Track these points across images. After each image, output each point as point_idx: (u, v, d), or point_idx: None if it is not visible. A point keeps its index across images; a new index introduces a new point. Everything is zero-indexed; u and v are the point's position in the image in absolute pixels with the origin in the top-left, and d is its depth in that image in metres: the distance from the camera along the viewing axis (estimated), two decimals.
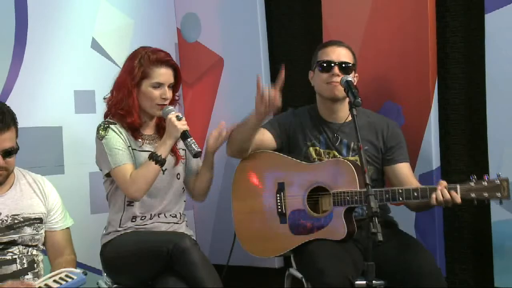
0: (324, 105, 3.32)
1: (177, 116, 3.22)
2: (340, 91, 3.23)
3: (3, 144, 3.00)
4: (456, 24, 3.46)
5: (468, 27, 3.44)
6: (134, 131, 3.36)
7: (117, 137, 3.31)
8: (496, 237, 3.27)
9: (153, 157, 3.21)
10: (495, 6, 3.24)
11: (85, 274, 3.08)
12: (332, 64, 3.24)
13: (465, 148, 3.48)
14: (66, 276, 3.03)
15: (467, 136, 3.48)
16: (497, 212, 3.25)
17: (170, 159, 3.42)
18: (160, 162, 3.20)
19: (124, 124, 3.36)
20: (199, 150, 3.18)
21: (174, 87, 3.39)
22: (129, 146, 3.34)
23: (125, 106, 3.35)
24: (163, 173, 3.36)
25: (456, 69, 3.48)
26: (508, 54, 3.25)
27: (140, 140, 3.39)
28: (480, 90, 3.34)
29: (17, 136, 3.11)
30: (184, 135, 3.20)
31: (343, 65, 3.24)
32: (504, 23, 3.24)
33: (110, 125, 3.33)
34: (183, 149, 3.45)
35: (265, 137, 3.38)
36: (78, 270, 3.10)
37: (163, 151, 3.22)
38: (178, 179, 3.43)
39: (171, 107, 3.32)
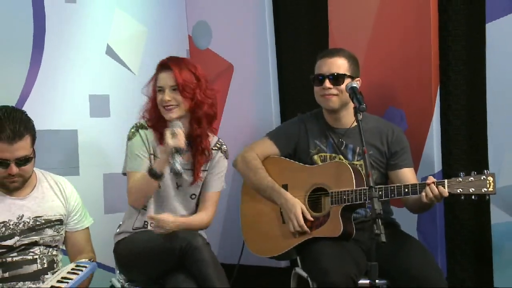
0: (328, 113, 3.35)
1: (173, 132, 3.16)
2: (335, 102, 3.28)
3: (15, 153, 3.02)
4: (458, 33, 3.46)
5: (469, 35, 3.44)
6: (160, 135, 3.32)
7: (140, 143, 3.32)
8: (495, 239, 3.29)
9: (149, 170, 3.19)
10: (495, 15, 3.26)
11: (92, 261, 3.16)
12: (322, 78, 3.27)
13: (466, 153, 3.48)
14: (77, 266, 3.09)
15: (468, 141, 3.48)
16: (497, 215, 3.27)
17: (187, 178, 3.38)
18: (155, 175, 3.17)
19: (153, 129, 3.35)
20: (178, 170, 3.13)
21: (179, 90, 3.30)
22: (151, 154, 3.32)
23: (147, 111, 3.37)
24: (177, 188, 3.36)
25: (458, 76, 3.48)
26: (508, 61, 3.28)
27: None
28: (481, 96, 3.35)
29: (33, 143, 3.12)
30: (174, 151, 3.14)
31: (333, 77, 3.25)
32: (504, 32, 3.27)
33: (140, 130, 3.34)
34: (204, 170, 3.39)
35: (271, 150, 3.45)
36: (85, 260, 3.16)
37: (157, 165, 3.18)
38: (192, 199, 3.41)
39: (176, 122, 3.24)
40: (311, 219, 3.24)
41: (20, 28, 3.66)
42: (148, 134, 3.33)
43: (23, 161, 3.06)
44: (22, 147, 3.03)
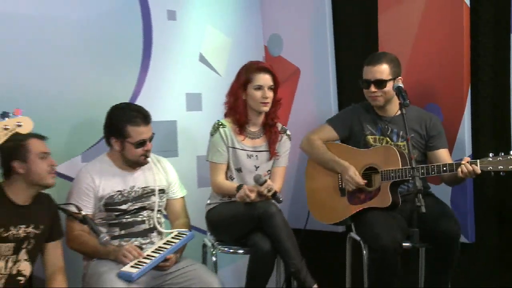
0: (375, 106, 3.44)
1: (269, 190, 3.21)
2: (380, 101, 3.36)
3: (150, 133, 3.20)
4: (487, 42, 3.47)
5: (496, 44, 3.45)
6: (241, 127, 3.44)
7: (220, 140, 3.41)
8: None
9: (238, 188, 3.28)
10: None
11: (190, 230, 3.31)
12: (368, 83, 3.34)
13: (492, 141, 3.49)
14: (179, 234, 3.24)
15: (494, 131, 3.50)
16: None
17: (265, 156, 3.46)
18: (233, 196, 3.32)
19: (234, 121, 3.44)
20: (280, 199, 3.22)
21: (274, 89, 3.41)
22: (229, 147, 3.41)
23: (234, 106, 3.46)
24: (256, 170, 3.44)
25: (486, 77, 3.49)
26: None
27: (243, 136, 3.44)
28: (505, 95, 3.37)
29: None
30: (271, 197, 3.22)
31: (377, 83, 3.31)
32: None
33: (220, 128, 3.42)
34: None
35: (331, 134, 3.49)
36: (186, 229, 3.30)
37: (240, 197, 3.25)
38: (267, 174, 3.49)
39: (263, 179, 3.24)
40: (362, 182, 3.29)
41: (132, 40, 3.76)
42: (227, 131, 3.41)
43: (151, 139, 3.22)
44: (151, 129, 3.20)
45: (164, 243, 3.15)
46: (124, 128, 3.14)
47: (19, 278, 2.90)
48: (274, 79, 3.42)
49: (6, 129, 2.54)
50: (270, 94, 3.40)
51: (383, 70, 3.31)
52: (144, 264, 2.99)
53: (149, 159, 3.30)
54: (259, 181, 3.24)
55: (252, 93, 3.40)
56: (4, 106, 2.63)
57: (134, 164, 3.24)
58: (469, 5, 3.41)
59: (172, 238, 3.19)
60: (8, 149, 2.78)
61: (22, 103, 2.79)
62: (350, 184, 3.33)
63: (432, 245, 3.17)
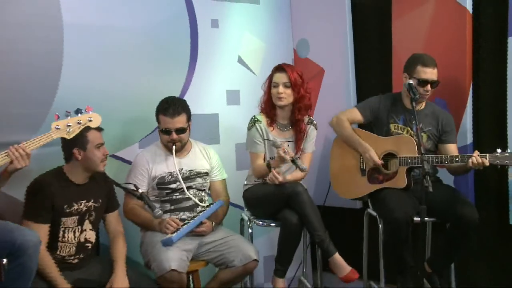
0: (408, 99, 3.43)
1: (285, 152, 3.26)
2: (426, 98, 3.41)
3: (175, 125, 3.31)
4: (487, 45, 3.52)
5: (495, 47, 3.48)
6: (271, 120, 3.52)
7: (256, 133, 3.49)
8: (511, 191, 3.36)
9: (267, 165, 3.39)
10: None
11: (223, 200, 3.43)
12: (425, 83, 3.33)
13: (491, 131, 3.53)
14: (210, 204, 3.40)
15: (493, 122, 3.52)
16: None
17: (293, 145, 3.51)
18: (269, 169, 3.37)
19: (266, 115, 3.53)
20: (301, 167, 3.24)
21: (292, 87, 3.41)
22: (264, 139, 3.50)
23: (264, 102, 3.58)
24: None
25: (486, 76, 3.53)
26: None
27: (274, 128, 3.50)
28: (503, 90, 3.39)
29: (189, 120, 3.35)
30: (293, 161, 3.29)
31: (433, 83, 3.36)
32: None
33: (256, 123, 3.50)
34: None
35: (357, 117, 3.53)
36: (221, 199, 3.43)
37: (274, 163, 3.35)
38: None
39: (282, 143, 3.35)
40: (379, 162, 3.36)
41: (181, 45, 3.88)
42: (262, 125, 3.49)
43: (180, 131, 3.32)
44: (179, 121, 3.30)
45: (199, 212, 3.33)
46: (158, 115, 3.35)
47: (87, 244, 3.11)
48: (290, 77, 3.42)
49: (79, 123, 2.81)
50: (285, 90, 3.44)
51: (436, 72, 3.37)
52: (181, 229, 3.17)
53: (195, 146, 3.46)
54: (275, 144, 3.34)
55: (272, 91, 3.52)
56: (77, 104, 2.86)
57: (166, 147, 3.38)
58: (471, 13, 3.48)
59: (205, 207, 3.37)
60: (71, 138, 2.88)
61: (91, 100, 2.95)
62: (369, 162, 3.43)
63: (450, 229, 3.23)
